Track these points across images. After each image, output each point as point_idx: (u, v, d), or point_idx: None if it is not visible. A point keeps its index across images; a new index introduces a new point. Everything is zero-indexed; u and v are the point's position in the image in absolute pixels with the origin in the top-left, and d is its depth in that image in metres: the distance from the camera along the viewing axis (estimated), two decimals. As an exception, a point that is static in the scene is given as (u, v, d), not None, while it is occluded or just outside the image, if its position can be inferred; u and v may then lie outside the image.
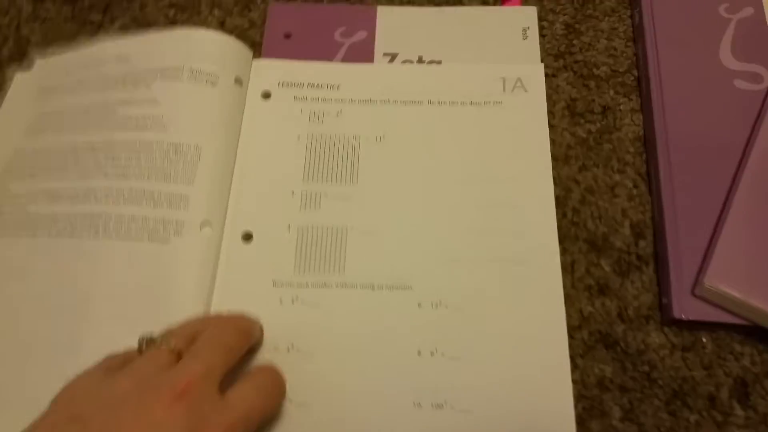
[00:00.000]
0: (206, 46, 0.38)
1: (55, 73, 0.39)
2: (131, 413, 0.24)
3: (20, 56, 0.41)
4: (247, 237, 0.34)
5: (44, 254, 0.33)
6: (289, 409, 0.30)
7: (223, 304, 0.32)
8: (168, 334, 0.28)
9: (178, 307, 0.31)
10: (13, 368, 0.31)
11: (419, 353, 0.31)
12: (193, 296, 0.32)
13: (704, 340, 0.32)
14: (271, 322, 0.32)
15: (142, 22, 0.41)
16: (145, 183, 0.34)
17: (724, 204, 0.33)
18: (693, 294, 0.32)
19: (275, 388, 0.29)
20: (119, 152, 0.35)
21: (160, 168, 0.34)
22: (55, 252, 0.33)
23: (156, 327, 0.29)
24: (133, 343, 0.28)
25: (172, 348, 0.26)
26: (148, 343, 0.27)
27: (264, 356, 0.31)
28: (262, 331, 0.32)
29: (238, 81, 0.38)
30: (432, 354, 0.31)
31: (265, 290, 0.33)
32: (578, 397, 0.31)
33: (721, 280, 0.31)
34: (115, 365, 0.26)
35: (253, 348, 0.31)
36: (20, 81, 0.40)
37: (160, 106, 0.36)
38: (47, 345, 0.31)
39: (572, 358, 0.31)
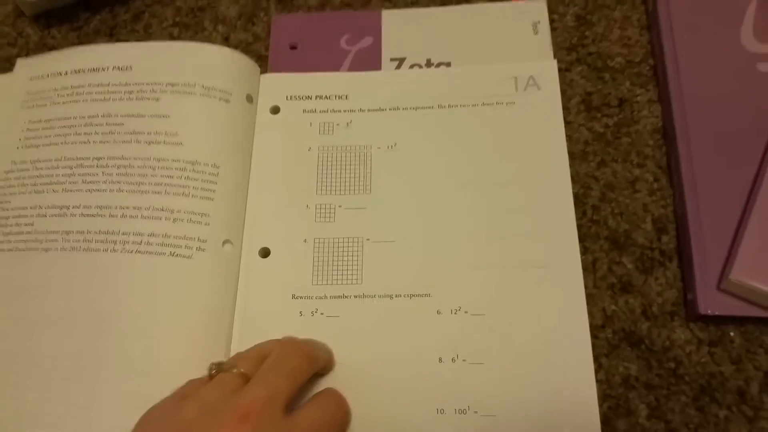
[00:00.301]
0: (216, 62, 0.38)
1: (42, 77, 0.39)
2: None
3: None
4: (265, 253, 0.34)
5: (59, 268, 0.33)
6: None
7: (245, 319, 0.33)
8: (237, 358, 0.29)
9: (202, 323, 0.32)
10: (33, 386, 0.31)
11: (440, 360, 0.31)
12: (217, 312, 0.32)
13: (732, 334, 0.31)
14: (292, 335, 0.32)
15: (147, 44, 0.41)
16: (162, 199, 0.34)
17: (749, 194, 0.33)
18: (719, 288, 0.31)
19: (340, 410, 0.30)
20: (132, 167, 0.35)
21: (178, 185, 0.34)
22: (70, 267, 0.33)
23: (178, 343, 0.30)
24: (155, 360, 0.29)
25: (240, 372, 0.27)
26: (217, 368, 0.28)
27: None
28: (330, 357, 0.32)
29: (249, 98, 0.38)
30: (453, 360, 0.31)
31: (285, 304, 0.33)
32: (603, 397, 0.30)
33: (748, 274, 0.30)
34: (190, 392, 0.27)
35: (320, 372, 0.31)
36: (2, 85, 0.39)
37: (172, 121, 0.36)
38: (66, 362, 0.31)
39: (596, 357, 0.31)
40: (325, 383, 0.31)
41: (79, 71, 0.38)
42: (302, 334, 0.32)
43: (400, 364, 0.31)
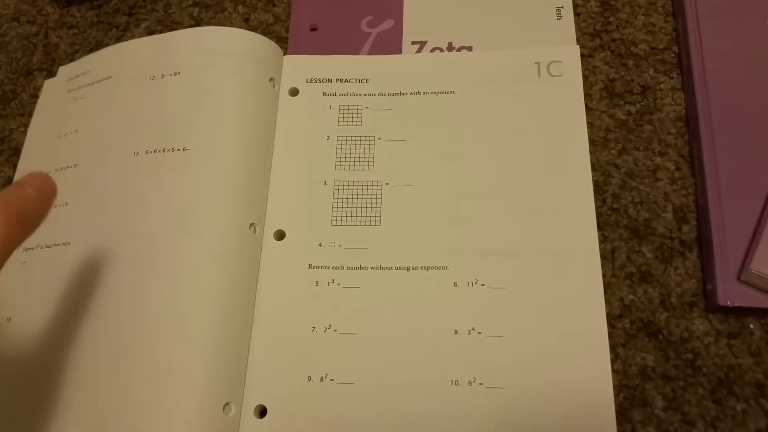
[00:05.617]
0: (242, 47, 0.36)
1: (79, 76, 0.39)
2: None
3: (49, 64, 0.41)
4: (281, 236, 0.34)
5: None
6: (331, 387, 0.31)
7: (261, 289, 0.33)
8: None
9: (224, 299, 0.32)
10: None
11: (456, 332, 0.31)
12: (242, 289, 0.32)
13: (752, 326, 0.31)
14: (309, 304, 0.32)
15: (167, 23, 0.41)
16: None
17: (773, 185, 0.32)
18: (739, 279, 0.31)
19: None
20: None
21: None
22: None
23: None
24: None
25: None
26: None
27: (303, 337, 0.32)
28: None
29: (272, 81, 0.37)
30: (469, 332, 0.31)
31: (302, 273, 0.33)
32: (620, 387, 0.30)
33: (769, 265, 0.30)
34: None
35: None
36: (48, 89, 0.40)
37: (198, 107, 0.36)
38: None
39: (613, 347, 0.31)
40: (344, 351, 0.31)
41: (120, 65, 0.38)
42: (319, 304, 0.32)
43: (415, 335, 0.31)
